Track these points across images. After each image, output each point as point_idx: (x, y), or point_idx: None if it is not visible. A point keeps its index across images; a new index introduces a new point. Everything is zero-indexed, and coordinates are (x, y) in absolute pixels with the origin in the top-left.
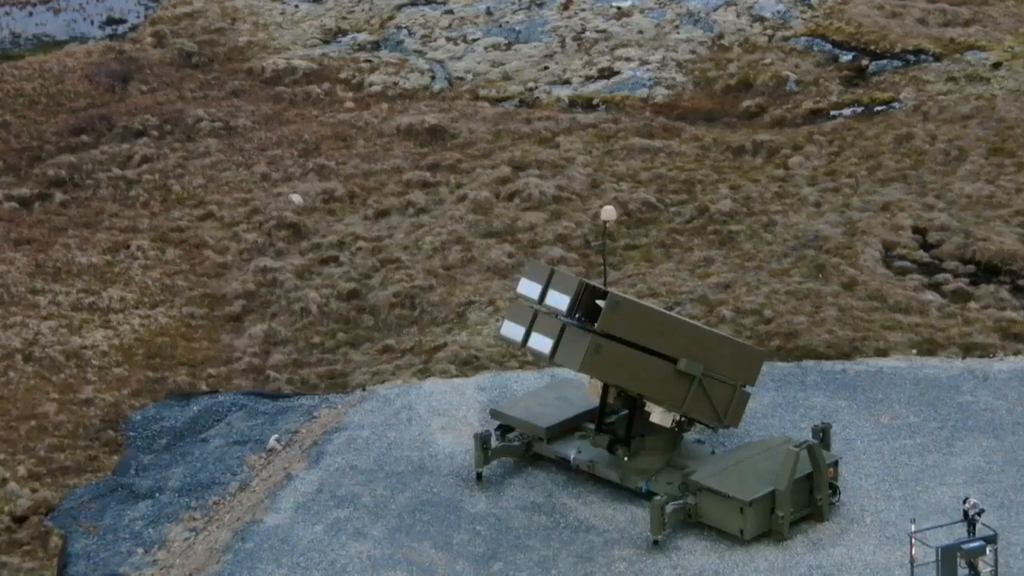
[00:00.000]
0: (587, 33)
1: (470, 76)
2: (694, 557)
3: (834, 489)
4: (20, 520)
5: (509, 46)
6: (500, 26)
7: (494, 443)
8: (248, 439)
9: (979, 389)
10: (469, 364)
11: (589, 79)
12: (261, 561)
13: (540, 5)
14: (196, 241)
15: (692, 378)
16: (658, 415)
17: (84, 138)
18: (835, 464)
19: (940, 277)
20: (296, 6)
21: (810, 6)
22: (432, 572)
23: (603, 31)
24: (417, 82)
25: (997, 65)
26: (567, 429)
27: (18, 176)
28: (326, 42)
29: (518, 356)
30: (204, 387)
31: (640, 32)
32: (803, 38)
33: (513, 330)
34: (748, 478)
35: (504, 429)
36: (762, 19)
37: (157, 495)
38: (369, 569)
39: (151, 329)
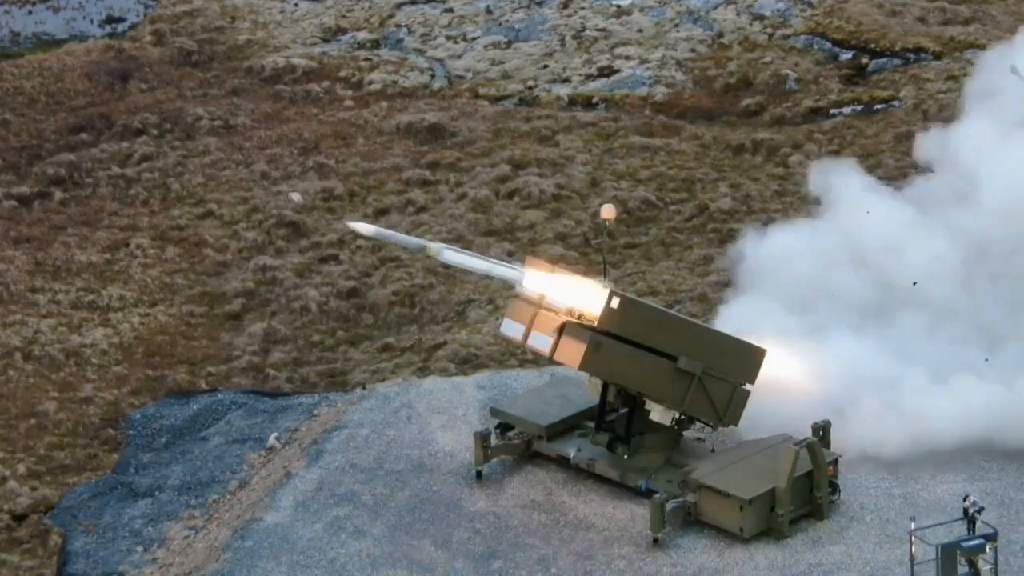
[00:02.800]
0: (587, 31)
1: (470, 74)
2: (694, 555)
3: (834, 487)
4: (20, 518)
5: (509, 44)
6: (500, 24)
7: (494, 441)
8: (248, 437)
9: None
10: (469, 362)
11: (589, 77)
12: (261, 559)
13: (540, 3)
14: (196, 240)
15: (692, 376)
16: (658, 413)
17: (84, 136)
18: (835, 462)
19: None
20: (296, 4)
21: (810, 4)
22: (432, 570)
23: (603, 29)
24: (417, 80)
25: None
26: (567, 427)
27: (18, 174)
28: (326, 40)
29: (518, 354)
30: (204, 385)
31: (640, 30)
32: (803, 36)
33: (513, 328)
34: (748, 476)
35: (504, 427)
36: (762, 17)
37: (157, 493)
38: (369, 567)
39: (151, 327)
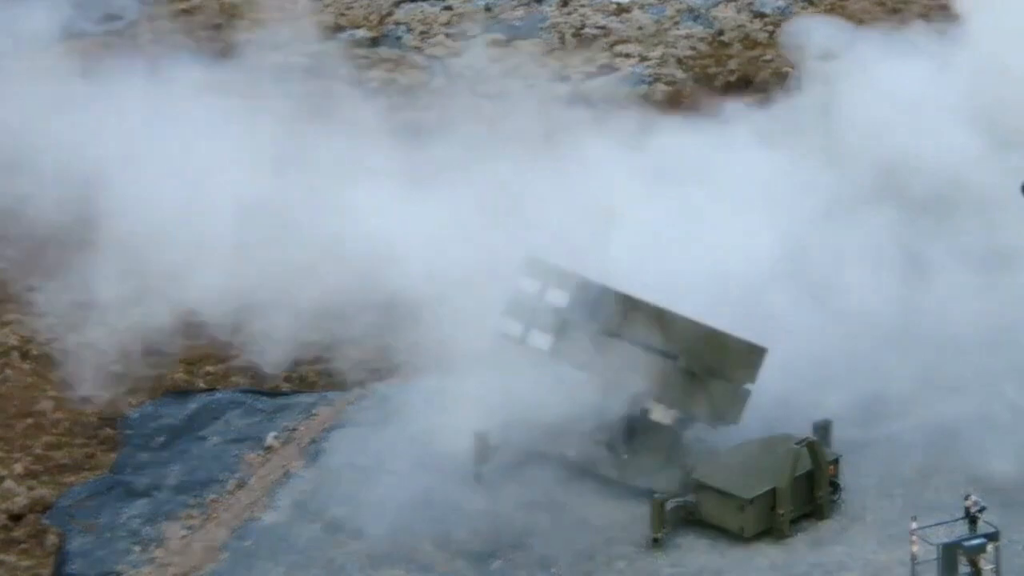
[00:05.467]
0: (586, 29)
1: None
2: (694, 555)
3: (835, 487)
4: (17, 518)
5: (508, 42)
6: (499, 23)
7: (493, 441)
8: (246, 437)
9: None
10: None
11: (589, 76)
12: (259, 559)
13: (539, 1)
14: None
15: (693, 375)
16: (658, 412)
17: None
18: (836, 461)
19: None
20: (294, 2)
21: (811, 2)
22: (431, 570)
23: (603, 27)
24: (416, 79)
25: None
26: (567, 427)
27: None
28: (324, 39)
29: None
30: (202, 384)
31: (640, 28)
32: None
33: (513, 327)
34: (748, 476)
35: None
36: (762, 15)
37: (155, 493)
38: (367, 567)
39: (149, 326)
